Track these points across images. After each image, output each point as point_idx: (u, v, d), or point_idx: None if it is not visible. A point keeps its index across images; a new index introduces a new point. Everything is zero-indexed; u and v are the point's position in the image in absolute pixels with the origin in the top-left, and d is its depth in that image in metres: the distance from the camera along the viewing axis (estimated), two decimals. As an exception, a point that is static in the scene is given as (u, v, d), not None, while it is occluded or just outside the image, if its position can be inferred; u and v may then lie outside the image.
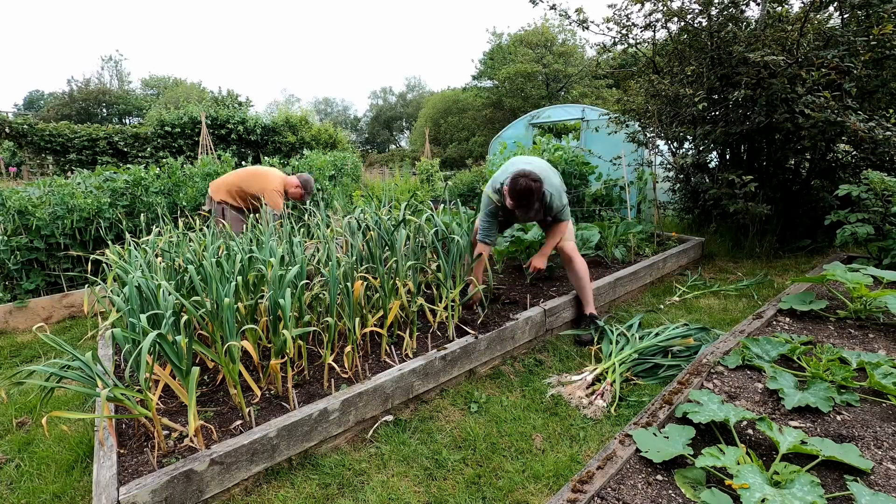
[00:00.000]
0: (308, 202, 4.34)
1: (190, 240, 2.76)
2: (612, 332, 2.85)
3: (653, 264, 3.94)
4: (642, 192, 5.39)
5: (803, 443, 1.55)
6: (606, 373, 2.42)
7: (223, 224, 3.80)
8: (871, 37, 3.79)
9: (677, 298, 3.63)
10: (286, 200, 4.23)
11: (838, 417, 1.81)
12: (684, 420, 1.79)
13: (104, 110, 40.88)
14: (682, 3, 4.72)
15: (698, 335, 2.76)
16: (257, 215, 3.90)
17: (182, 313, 2.04)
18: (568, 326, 3.13)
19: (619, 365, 2.47)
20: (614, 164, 5.33)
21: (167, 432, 1.84)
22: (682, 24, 4.70)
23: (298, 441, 1.86)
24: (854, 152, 4.31)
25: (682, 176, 5.16)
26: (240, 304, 2.19)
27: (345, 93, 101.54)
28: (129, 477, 1.60)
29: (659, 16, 4.86)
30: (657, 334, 2.75)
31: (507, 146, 6.49)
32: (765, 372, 2.11)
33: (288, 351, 1.90)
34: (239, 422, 1.90)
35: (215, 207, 4.13)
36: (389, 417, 2.16)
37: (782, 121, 3.96)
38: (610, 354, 2.60)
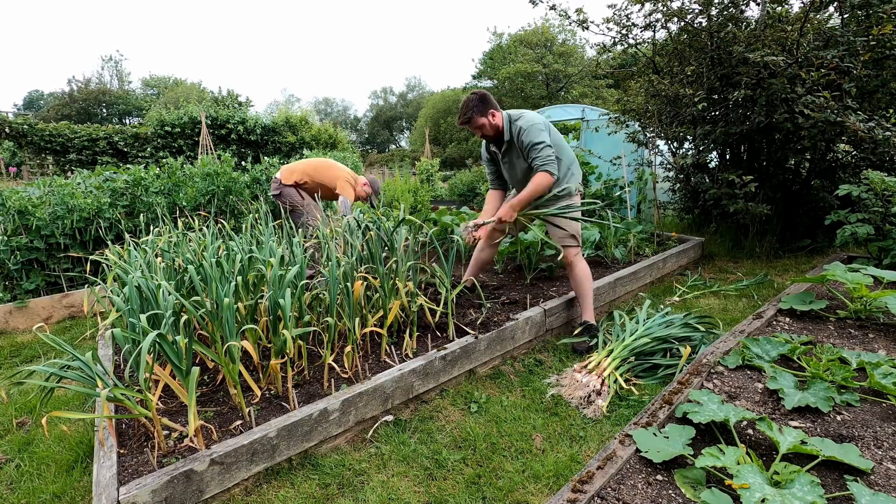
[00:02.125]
0: (377, 203, 4.34)
1: (190, 240, 2.76)
2: (607, 333, 2.85)
3: (653, 264, 3.94)
4: (642, 192, 5.39)
5: (803, 443, 1.55)
6: (605, 372, 2.42)
7: (301, 207, 4.01)
8: (870, 37, 3.80)
9: (677, 298, 3.63)
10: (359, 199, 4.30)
11: (838, 417, 1.81)
12: (684, 420, 1.79)
13: (104, 110, 40.92)
14: (682, 3, 4.72)
15: (696, 336, 2.75)
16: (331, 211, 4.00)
17: (182, 313, 2.04)
18: (568, 326, 3.13)
19: (616, 369, 2.46)
20: (614, 164, 5.33)
21: (167, 432, 1.84)
22: (682, 24, 4.71)
23: (298, 441, 1.86)
24: (854, 152, 4.32)
25: (682, 176, 5.16)
26: (240, 304, 2.19)
27: (345, 93, 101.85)
28: (129, 477, 1.60)
29: (659, 16, 4.87)
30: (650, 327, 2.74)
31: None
32: (765, 372, 2.11)
33: (288, 351, 1.90)
34: (239, 422, 1.90)
35: (286, 191, 4.17)
36: (389, 417, 2.16)
37: (782, 121, 3.96)
38: (609, 354, 2.60)
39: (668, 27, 4.94)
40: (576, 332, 2.90)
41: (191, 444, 1.74)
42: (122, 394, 1.65)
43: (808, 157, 4.54)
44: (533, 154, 2.63)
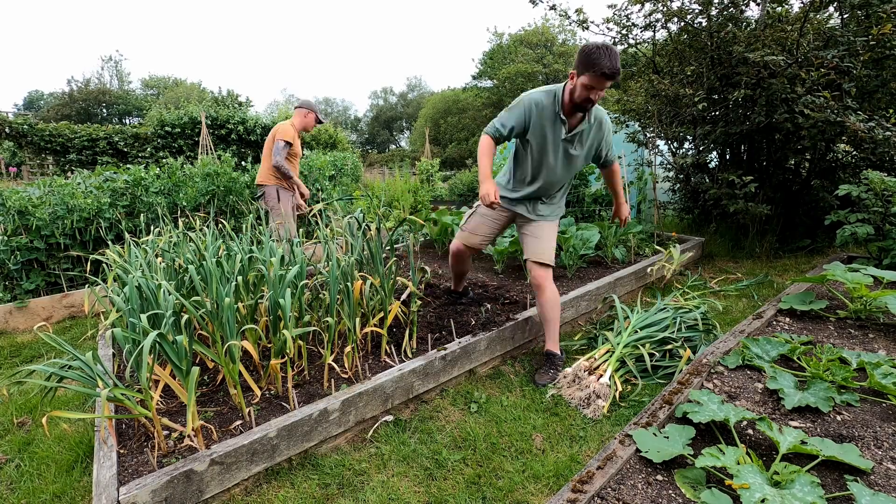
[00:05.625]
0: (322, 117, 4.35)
1: (190, 240, 2.76)
2: (604, 334, 2.85)
3: (653, 264, 3.94)
4: (642, 192, 5.39)
5: (803, 443, 1.55)
6: (605, 373, 2.42)
7: (273, 211, 3.99)
8: (870, 37, 3.80)
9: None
10: (307, 131, 4.26)
11: (838, 417, 1.81)
12: (684, 420, 1.79)
13: (104, 110, 40.93)
14: (682, 3, 4.73)
15: (694, 336, 2.75)
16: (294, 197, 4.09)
17: (182, 313, 2.04)
18: (569, 326, 3.13)
19: (616, 371, 2.46)
20: (614, 164, 5.32)
21: (167, 432, 1.84)
22: (682, 24, 4.71)
23: (298, 441, 1.86)
24: (854, 152, 4.32)
25: (682, 176, 5.17)
26: (240, 304, 2.19)
27: (345, 93, 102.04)
28: (129, 477, 1.60)
29: (659, 16, 4.87)
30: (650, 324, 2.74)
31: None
32: (765, 372, 2.11)
33: (288, 351, 1.90)
34: (239, 422, 1.90)
35: (267, 191, 4.13)
36: (389, 417, 2.16)
37: (782, 121, 3.97)
38: (607, 351, 2.60)
39: (668, 27, 4.95)
40: (544, 365, 2.57)
41: (191, 444, 1.74)
42: (122, 394, 1.64)
43: (808, 157, 4.54)
44: (611, 145, 2.49)
